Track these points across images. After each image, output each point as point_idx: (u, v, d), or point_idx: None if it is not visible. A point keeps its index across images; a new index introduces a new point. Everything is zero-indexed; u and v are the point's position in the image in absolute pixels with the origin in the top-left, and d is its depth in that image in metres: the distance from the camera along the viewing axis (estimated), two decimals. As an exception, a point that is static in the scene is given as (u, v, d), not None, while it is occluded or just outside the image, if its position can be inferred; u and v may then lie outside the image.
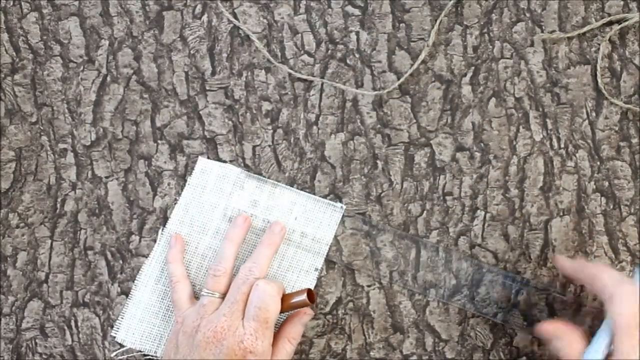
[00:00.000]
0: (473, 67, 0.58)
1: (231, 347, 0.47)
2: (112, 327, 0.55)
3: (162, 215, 0.56)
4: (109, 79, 0.58)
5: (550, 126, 0.58)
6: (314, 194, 0.56)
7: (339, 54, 0.58)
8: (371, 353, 0.55)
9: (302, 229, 0.55)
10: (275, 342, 0.50)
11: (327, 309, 0.56)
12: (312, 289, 0.54)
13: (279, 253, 0.55)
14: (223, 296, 0.51)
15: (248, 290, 0.50)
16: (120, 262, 0.56)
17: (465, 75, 0.58)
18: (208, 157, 0.57)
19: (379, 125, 0.57)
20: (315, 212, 0.56)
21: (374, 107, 0.58)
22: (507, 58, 0.58)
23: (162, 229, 0.56)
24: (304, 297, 0.50)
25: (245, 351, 0.48)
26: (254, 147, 0.57)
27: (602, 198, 0.57)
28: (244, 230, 0.53)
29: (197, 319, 0.49)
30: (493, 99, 0.58)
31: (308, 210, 0.56)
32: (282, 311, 0.50)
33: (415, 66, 0.57)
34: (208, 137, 0.57)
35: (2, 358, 0.55)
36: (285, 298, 0.50)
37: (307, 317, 0.52)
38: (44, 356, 0.55)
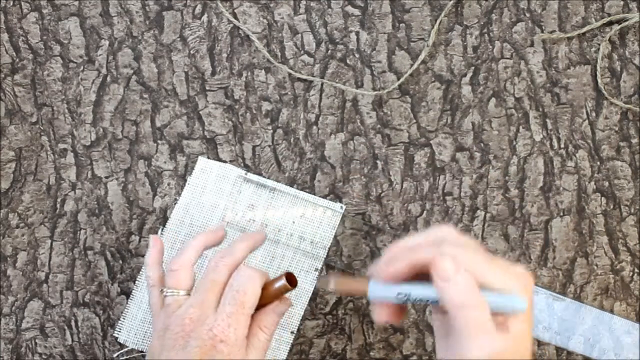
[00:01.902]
0: (473, 67, 0.58)
1: (200, 337, 0.43)
2: (112, 327, 0.55)
3: (162, 215, 0.56)
4: (109, 79, 0.58)
5: (550, 126, 0.58)
6: (314, 194, 0.56)
7: (339, 54, 0.58)
8: (371, 353, 0.56)
9: (300, 233, 0.55)
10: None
11: (327, 309, 0.56)
12: (293, 273, 0.49)
13: (278, 254, 0.55)
14: (188, 293, 0.47)
15: (220, 278, 0.46)
16: (120, 262, 0.56)
17: (465, 75, 0.58)
18: (208, 157, 0.57)
19: (379, 125, 0.57)
20: (313, 216, 0.56)
21: (374, 107, 0.58)
22: (507, 58, 0.58)
23: (162, 229, 0.56)
24: (283, 281, 0.46)
25: (215, 340, 0.43)
26: (254, 147, 0.57)
27: (602, 198, 0.57)
28: (216, 239, 0.50)
29: (165, 318, 0.46)
30: (493, 99, 0.58)
31: (307, 213, 0.56)
32: (263, 301, 0.46)
33: (415, 66, 0.57)
34: (208, 137, 0.57)
35: (2, 358, 0.55)
36: (265, 286, 0.47)
37: (283, 307, 0.48)
38: (44, 356, 0.55)
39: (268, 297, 0.47)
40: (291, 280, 0.47)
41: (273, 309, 0.47)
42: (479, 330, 0.38)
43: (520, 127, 0.58)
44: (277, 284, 0.47)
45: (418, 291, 0.40)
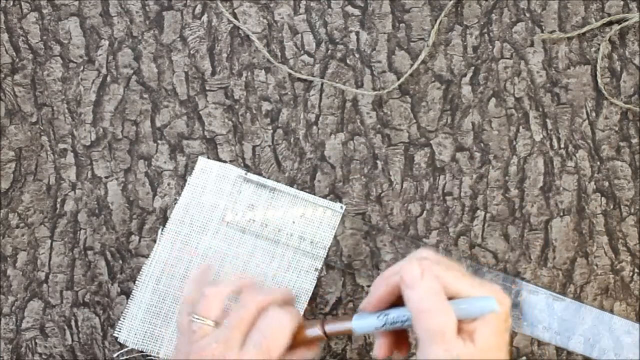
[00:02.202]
0: (473, 67, 0.58)
1: None
2: (112, 327, 0.55)
3: (162, 215, 0.56)
4: (109, 79, 0.58)
5: (550, 126, 0.58)
6: (314, 194, 0.56)
7: (339, 54, 0.58)
8: (371, 353, 0.56)
9: (300, 233, 0.55)
10: None
11: (327, 309, 0.56)
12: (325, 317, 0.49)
13: (278, 254, 0.55)
14: (217, 324, 0.45)
15: (248, 316, 0.44)
16: (120, 262, 0.56)
17: (465, 75, 0.58)
18: (208, 157, 0.57)
19: (379, 125, 0.57)
20: (313, 216, 0.56)
21: (373, 107, 0.58)
22: (507, 58, 0.58)
23: (162, 229, 0.56)
24: (318, 332, 0.44)
25: None
26: (254, 147, 0.57)
27: (602, 198, 0.57)
28: (258, 294, 0.47)
29: (188, 345, 0.44)
30: (493, 99, 0.58)
31: (307, 214, 0.56)
32: (292, 343, 0.44)
33: (415, 66, 0.57)
34: (208, 137, 0.57)
35: (2, 358, 0.55)
36: (298, 330, 0.44)
37: (311, 354, 0.46)
38: (44, 356, 0.55)
39: (298, 341, 0.45)
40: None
41: (303, 354, 0.45)
42: (439, 337, 0.37)
43: (520, 127, 0.58)
44: (311, 333, 0.44)
45: (396, 311, 0.40)
